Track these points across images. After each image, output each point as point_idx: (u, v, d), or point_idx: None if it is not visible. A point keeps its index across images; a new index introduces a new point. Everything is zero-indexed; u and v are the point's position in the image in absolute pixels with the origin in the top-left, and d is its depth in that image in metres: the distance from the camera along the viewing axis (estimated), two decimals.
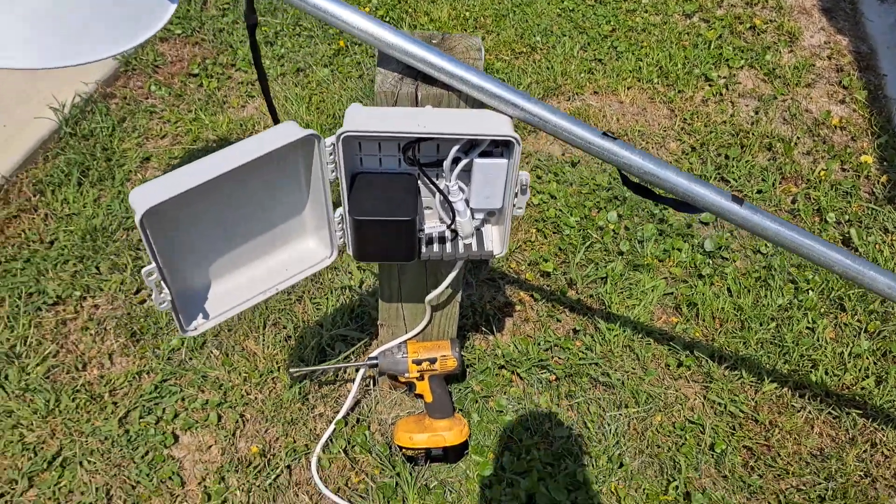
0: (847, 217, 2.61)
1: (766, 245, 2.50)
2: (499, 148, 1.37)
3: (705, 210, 1.31)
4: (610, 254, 2.47)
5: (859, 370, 2.12)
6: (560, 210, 2.61)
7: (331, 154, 1.30)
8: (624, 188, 2.66)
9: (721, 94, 3.18)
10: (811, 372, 2.12)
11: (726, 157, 2.86)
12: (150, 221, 1.15)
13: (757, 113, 3.09)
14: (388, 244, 1.41)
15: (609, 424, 2.01)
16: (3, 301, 2.21)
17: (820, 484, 1.90)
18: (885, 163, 2.83)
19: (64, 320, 2.20)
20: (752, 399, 2.07)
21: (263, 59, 3.23)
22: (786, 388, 2.09)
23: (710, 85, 3.22)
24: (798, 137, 2.95)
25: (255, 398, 2.04)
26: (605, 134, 1.29)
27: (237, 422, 1.99)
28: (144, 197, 1.12)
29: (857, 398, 2.06)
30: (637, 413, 2.04)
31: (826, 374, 2.11)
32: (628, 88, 3.17)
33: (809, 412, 2.04)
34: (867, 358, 2.14)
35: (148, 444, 1.93)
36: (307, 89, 3.08)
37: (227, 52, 3.26)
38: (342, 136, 1.27)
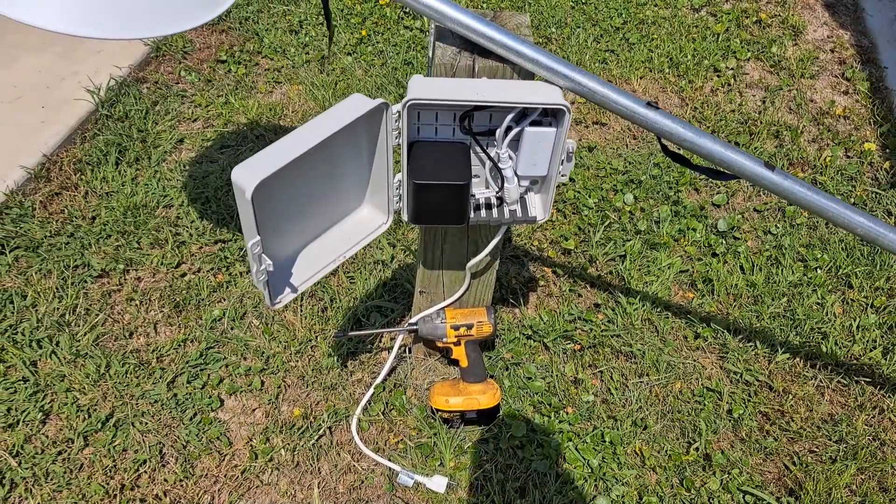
0: (852, 200, 2.73)
1: (776, 226, 2.62)
2: (548, 118, 1.48)
3: (739, 176, 1.42)
4: (628, 233, 2.59)
5: (867, 342, 2.24)
6: (579, 192, 2.72)
7: (396, 121, 1.41)
8: (646, 167, 2.78)
9: (729, 85, 3.30)
10: (821, 343, 2.23)
11: (736, 143, 2.98)
12: (256, 196, 1.23)
13: (764, 102, 3.21)
14: (442, 208, 1.51)
15: (632, 391, 2.12)
16: (50, 273, 2.30)
17: (831, 446, 2.01)
18: (887, 150, 2.95)
19: (109, 292, 2.29)
20: (766, 368, 2.19)
21: (289, 47, 3.32)
22: (798, 359, 2.20)
23: (718, 75, 3.34)
24: (804, 126, 3.08)
25: (296, 365, 2.13)
26: (648, 104, 1.40)
27: (279, 387, 2.09)
28: (250, 173, 1.21)
29: (866, 368, 2.18)
30: (658, 381, 2.15)
31: (836, 345, 2.23)
32: (641, 78, 3.29)
33: (820, 381, 2.16)
34: (874, 331, 2.26)
35: (196, 406, 2.03)
36: (332, 76, 3.18)
37: (254, 40, 3.35)
38: (408, 104, 1.37)
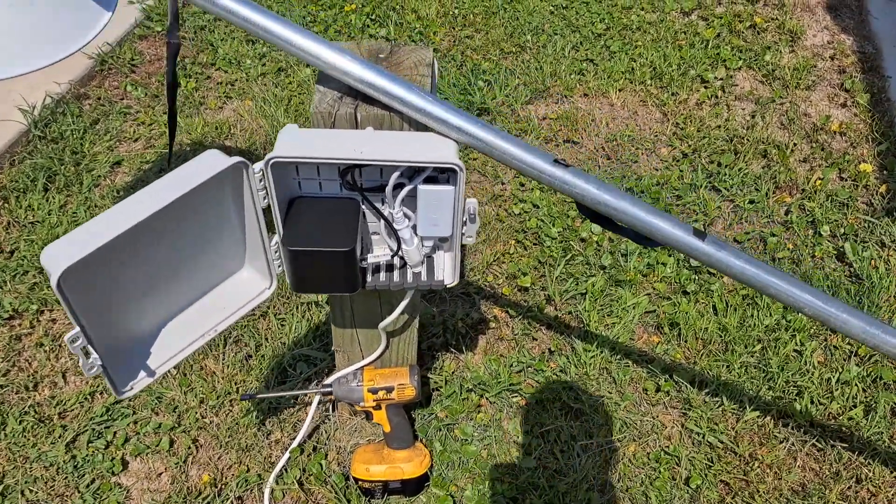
0: (842, 230, 2.48)
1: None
2: (445, 173, 1.27)
3: (664, 244, 1.21)
4: (591, 267, 2.37)
5: (847, 398, 2.00)
6: (542, 220, 2.50)
7: (261, 181, 1.20)
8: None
9: (717, 97, 3.05)
10: (796, 400, 2.00)
11: (719, 164, 2.74)
12: (69, 282, 1.05)
13: (753, 117, 2.96)
14: (326, 275, 1.31)
15: (580, 456, 1.91)
16: None
17: None
18: (884, 171, 2.70)
19: (19, 336, 2.12)
20: (733, 428, 1.97)
21: (245, 58, 3.12)
22: (768, 417, 1.98)
23: (705, 87, 3.10)
24: (795, 143, 2.83)
25: (211, 422, 1.95)
26: (556, 161, 1.18)
27: (189, 447, 1.90)
28: (59, 256, 1.02)
29: (844, 429, 1.95)
30: (609, 443, 1.93)
31: (812, 402, 1.99)
32: (620, 90, 3.05)
33: (792, 444, 1.93)
34: (856, 385, 2.03)
35: (95, 471, 1.85)
36: (287, 90, 2.97)
37: (208, 51, 3.16)
38: (271, 162, 1.17)
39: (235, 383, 2.02)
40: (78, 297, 1.09)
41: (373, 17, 3.36)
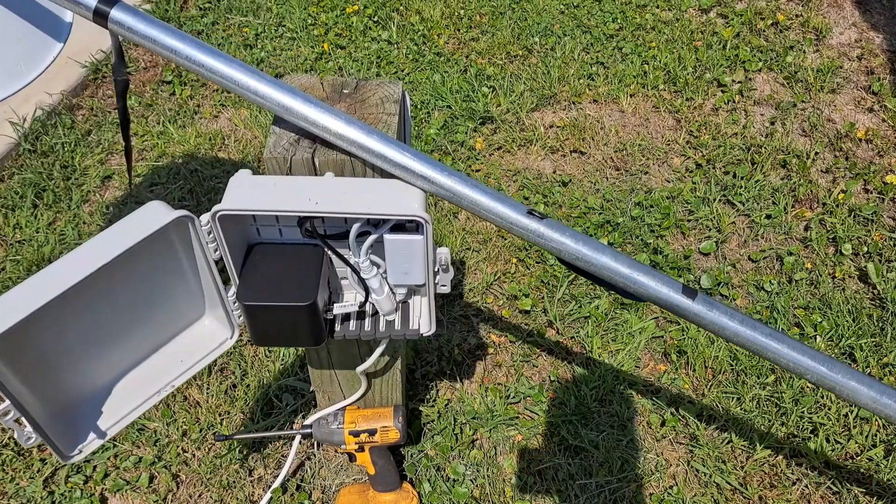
0: (866, 249, 2.33)
1: (771, 281, 2.25)
2: (412, 222, 1.16)
3: (649, 301, 1.10)
4: (596, 289, 2.25)
5: (866, 437, 1.87)
6: None
7: (210, 233, 1.11)
8: (626, 207, 2.43)
9: (734, 102, 2.90)
10: (811, 438, 1.88)
11: (734, 175, 2.59)
12: None
13: (773, 123, 2.81)
14: (287, 329, 1.22)
15: (577, 496, 1.80)
16: None
17: None
18: None
19: None
20: (742, 468, 1.85)
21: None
22: (780, 456, 1.86)
23: (722, 91, 2.94)
24: (817, 152, 2.67)
25: (193, 456, 1.88)
26: (530, 212, 1.07)
27: (170, 484, 1.83)
28: None
29: (862, 471, 1.82)
30: (609, 483, 1.83)
31: (827, 440, 1.87)
32: (631, 96, 2.91)
33: (805, 486, 1.81)
34: (877, 422, 1.90)
35: None
36: None
37: None
38: (218, 215, 1.07)
39: (220, 415, 1.95)
40: (11, 365, 1.01)
41: (375, 19, 3.24)
